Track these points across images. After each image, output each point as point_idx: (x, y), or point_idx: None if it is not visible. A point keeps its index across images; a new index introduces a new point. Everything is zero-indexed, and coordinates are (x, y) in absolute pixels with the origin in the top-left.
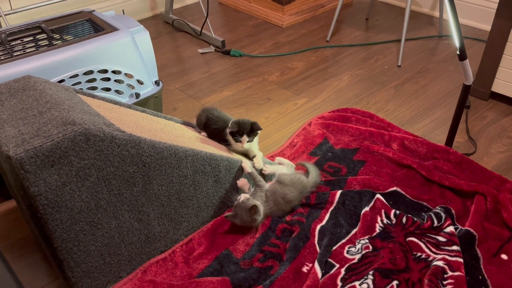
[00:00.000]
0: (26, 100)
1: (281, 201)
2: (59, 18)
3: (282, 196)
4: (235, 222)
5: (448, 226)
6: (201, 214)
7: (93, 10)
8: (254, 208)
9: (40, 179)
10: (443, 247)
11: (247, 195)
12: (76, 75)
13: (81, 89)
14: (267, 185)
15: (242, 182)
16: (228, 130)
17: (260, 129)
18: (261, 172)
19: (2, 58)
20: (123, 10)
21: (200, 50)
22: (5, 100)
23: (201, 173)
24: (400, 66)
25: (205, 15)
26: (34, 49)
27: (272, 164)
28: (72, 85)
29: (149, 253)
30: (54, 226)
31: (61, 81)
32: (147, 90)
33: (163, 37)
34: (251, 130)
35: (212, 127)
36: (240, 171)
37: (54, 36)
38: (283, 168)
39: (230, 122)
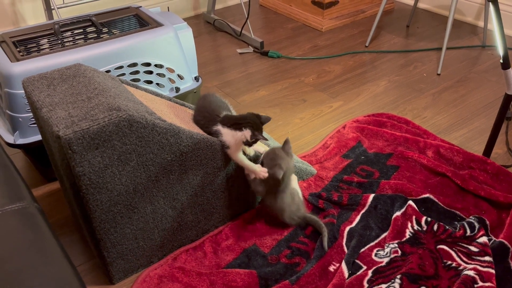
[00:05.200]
0: (76, 86)
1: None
2: (108, 12)
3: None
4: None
5: (481, 236)
6: (232, 207)
7: (140, 6)
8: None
9: (85, 160)
10: (475, 257)
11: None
12: (121, 67)
13: (125, 79)
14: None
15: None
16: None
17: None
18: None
19: (55, 47)
20: (168, 7)
21: (239, 50)
22: (57, 85)
23: (235, 166)
24: (439, 74)
25: (246, 16)
26: (83, 40)
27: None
28: (117, 76)
29: (180, 241)
30: (95, 206)
31: (107, 71)
32: (187, 85)
33: (204, 36)
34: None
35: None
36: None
37: (103, 29)
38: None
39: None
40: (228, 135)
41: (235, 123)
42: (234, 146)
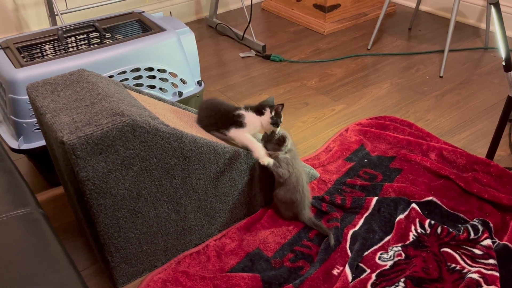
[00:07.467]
0: (80, 91)
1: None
2: (111, 18)
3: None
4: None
5: (485, 239)
6: (235, 211)
7: (143, 11)
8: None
9: (89, 165)
10: (479, 260)
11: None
12: (124, 72)
13: (129, 84)
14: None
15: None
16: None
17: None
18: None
19: (58, 53)
20: (170, 12)
21: (241, 54)
22: (61, 90)
23: (238, 170)
24: (442, 76)
25: (248, 20)
26: (86, 46)
27: None
28: (120, 81)
29: (184, 245)
30: (98, 211)
31: (110, 76)
32: (190, 89)
33: (206, 40)
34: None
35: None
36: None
37: (106, 35)
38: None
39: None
40: (251, 118)
41: (258, 107)
42: (258, 127)
